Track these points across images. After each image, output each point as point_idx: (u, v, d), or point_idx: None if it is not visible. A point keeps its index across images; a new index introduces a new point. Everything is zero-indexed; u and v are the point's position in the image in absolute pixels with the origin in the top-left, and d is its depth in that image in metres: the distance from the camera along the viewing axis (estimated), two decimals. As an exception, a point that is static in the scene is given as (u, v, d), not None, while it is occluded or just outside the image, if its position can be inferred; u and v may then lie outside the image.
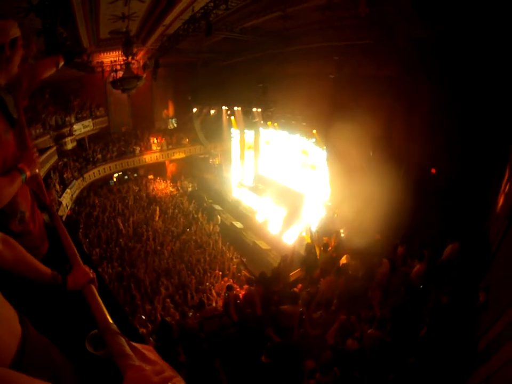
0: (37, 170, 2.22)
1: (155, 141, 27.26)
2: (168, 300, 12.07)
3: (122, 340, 1.27)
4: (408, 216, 9.45)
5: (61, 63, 3.03)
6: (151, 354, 1.30)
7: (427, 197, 9.60)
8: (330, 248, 11.03)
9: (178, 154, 27.91)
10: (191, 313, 8.96)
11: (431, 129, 9.97)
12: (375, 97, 11.14)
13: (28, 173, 2.01)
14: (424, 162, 10.35)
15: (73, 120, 22.99)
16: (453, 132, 9.26)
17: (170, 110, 29.00)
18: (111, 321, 1.41)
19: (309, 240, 13.38)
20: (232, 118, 23.79)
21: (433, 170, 10.26)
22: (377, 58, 11.50)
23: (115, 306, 2.00)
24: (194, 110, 27.04)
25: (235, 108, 22.78)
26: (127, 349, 1.22)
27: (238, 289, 11.45)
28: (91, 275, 1.86)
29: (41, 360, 1.21)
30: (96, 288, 1.77)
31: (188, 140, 27.84)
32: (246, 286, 9.85)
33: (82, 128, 23.78)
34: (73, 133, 22.75)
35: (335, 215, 13.90)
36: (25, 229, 2.13)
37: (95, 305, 1.55)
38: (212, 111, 25.67)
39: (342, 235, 11.67)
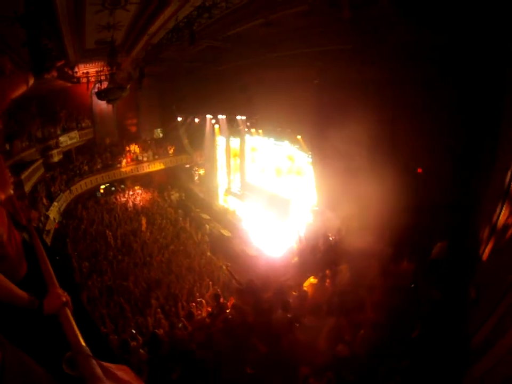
0: (11, 191, 2.16)
1: (140, 152, 27.21)
2: (159, 310, 12.00)
3: (93, 363, 1.25)
4: (398, 217, 9.45)
5: (31, 81, 2.93)
6: (125, 374, 1.28)
7: (417, 197, 9.61)
8: (319, 252, 11.04)
9: (165, 164, 27.88)
10: (180, 324, 8.87)
11: (417, 130, 10.02)
12: (360, 101, 11.17)
13: (3, 196, 1.95)
14: (412, 162, 10.41)
15: (59, 132, 22.88)
16: (438, 133, 9.32)
17: (156, 120, 28.86)
18: (83, 344, 1.38)
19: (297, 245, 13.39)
20: (217, 126, 23.84)
21: (420, 170, 10.31)
22: (361, 62, 11.54)
23: (91, 326, 1.96)
24: (179, 119, 27.01)
25: (219, 116, 22.85)
26: (98, 371, 1.20)
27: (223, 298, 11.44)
28: (64, 299, 1.80)
29: (22, 377, 1.20)
30: (70, 310, 1.72)
31: (173, 150, 27.83)
32: (232, 297, 9.76)
33: (68, 140, 23.69)
34: (60, 145, 22.62)
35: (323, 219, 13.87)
36: (2, 253, 2.06)
37: (69, 328, 1.52)
38: (197, 120, 25.61)
39: (331, 239, 11.66)
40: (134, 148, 27.42)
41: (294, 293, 9.00)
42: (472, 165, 8.46)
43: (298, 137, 16.67)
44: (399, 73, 10.24)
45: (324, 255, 10.43)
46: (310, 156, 15.87)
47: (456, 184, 8.88)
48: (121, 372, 1.28)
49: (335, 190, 12.70)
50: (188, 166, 28.15)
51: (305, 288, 8.90)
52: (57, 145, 22.20)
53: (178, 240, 19.48)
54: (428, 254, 8.12)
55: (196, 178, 27.84)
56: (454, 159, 9.02)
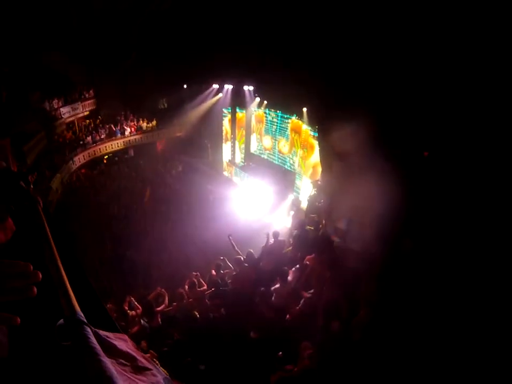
0: None
1: (144, 122, 27.02)
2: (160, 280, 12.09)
3: (88, 331, 1.20)
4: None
5: None
6: (124, 344, 1.25)
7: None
8: (321, 226, 11.02)
9: (168, 134, 27.74)
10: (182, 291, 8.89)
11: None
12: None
13: None
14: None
15: (61, 103, 22.74)
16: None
17: (161, 89, 28.37)
18: (78, 309, 1.33)
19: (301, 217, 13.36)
20: (221, 95, 23.59)
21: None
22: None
23: (90, 292, 1.93)
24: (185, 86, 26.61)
25: (226, 86, 22.59)
26: (93, 341, 1.16)
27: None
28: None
29: None
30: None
31: (177, 120, 27.54)
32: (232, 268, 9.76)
33: (71, 111, 23.56)
34: (63, 116, 22.52)
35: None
36: None
37: (61, 286, 1.48)
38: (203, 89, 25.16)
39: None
40: (138, 117, 27.20)
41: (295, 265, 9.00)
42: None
43: (304, 109, 16.46)
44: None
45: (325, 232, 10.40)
46: (315, 130, 15.68)
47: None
48: (120, 341, 1.25)
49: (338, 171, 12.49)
50: (192, 136, 27.76)
51: (306, 262, 8.88)
52: (60, 116, 22.13)
53: (181, 210, 19.49)
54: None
55: (205, 148, 27.61)
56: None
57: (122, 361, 1.26)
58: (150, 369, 1.36)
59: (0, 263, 0.95)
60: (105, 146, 25.16)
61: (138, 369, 1.28)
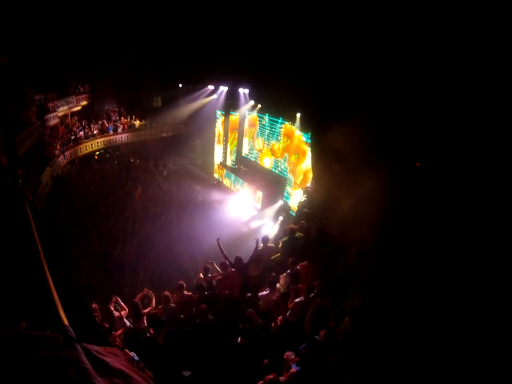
0: None
1: (137, 119, 26.89)
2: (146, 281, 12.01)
3: (78, 348, 1.13)
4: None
5: None
6: (116, 360, 1.19)
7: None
8: (311, 232, 11.00)
9: (161, 133, 27.63)
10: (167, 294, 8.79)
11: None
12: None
13: None
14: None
15: (56, 97, 22.58)
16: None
17: (156, 87, 28.18)
18: (66, 322, 1.26)
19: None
20: (215, 97, 23.56)
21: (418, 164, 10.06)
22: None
23: (77, 299, 1.85)
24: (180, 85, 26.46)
25: (221, 88, 22.56)
26: (84, 360, 1.09)
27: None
28: None
29: None
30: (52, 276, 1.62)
31: (171, 119, 27.34)
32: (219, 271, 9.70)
33: (65, 104, 23.40)
34: (56, 109, 22.35)
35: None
36: None
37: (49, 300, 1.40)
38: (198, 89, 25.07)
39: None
40: (132, 115, 27.07)
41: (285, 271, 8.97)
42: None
43: (298, 115, 16.46)
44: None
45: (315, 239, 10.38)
46: (309, 137, 15.65)
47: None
48: (112, 357, 1.18)
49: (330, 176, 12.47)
50: (184, 136, 27.64)
51: (297, 267, 8.86)
52: (54, 109, 21.95)
53: (170, 210, 19.38)
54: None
55: (197, 148, 27.54)
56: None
57: (116, 380, 1.19)
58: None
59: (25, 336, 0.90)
60: (97, 142, 24.98)
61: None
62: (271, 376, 5.23)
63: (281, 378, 5.33)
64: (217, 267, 9.56)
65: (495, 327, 5.02)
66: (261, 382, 5.24)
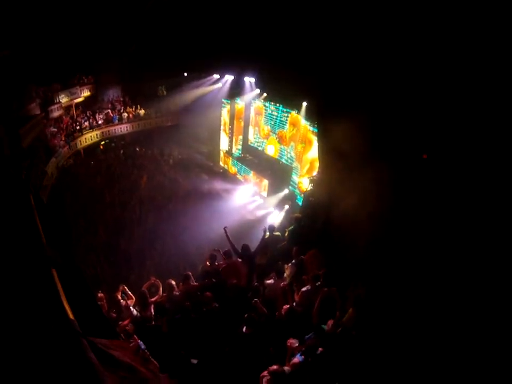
0: None
1: (142, 109, 26.85)
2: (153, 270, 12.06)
3: (85, 344, 1.12)
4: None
5: None
6: (122, 353, 1.18)
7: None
8: (318, 221, 10.98)
9: (166, 122, 27.62)
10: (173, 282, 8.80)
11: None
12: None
13: None
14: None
15: (60, 88, 22.55)
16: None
17: (161, 76, 27.97)
18: (71, 317, 1.25)
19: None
20: (220, 85, 23.45)
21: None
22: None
23: (85, 292, 1.85)
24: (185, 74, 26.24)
25: (227, 76, 22.46)
26: (91, 355, 1.08)
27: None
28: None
29: None
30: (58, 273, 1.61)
31: (176, 108, 27.29)
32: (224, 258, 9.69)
33: (69, 95, 23.38)
34: (61, 100, 22.33)
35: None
36: None
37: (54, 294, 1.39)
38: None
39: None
40: (136, 104, 27.02)
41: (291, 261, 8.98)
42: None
43: (304, 104, 16.34)
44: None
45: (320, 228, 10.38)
46: (315, 126, 15.54)
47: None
48: (118, 350, 1.18)
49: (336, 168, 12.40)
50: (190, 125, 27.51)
51: (302, 257, 8.86)
52: (58, 101, 21.94)
53: (176, 199, 19.40)
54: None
55: (203, 137, 27.49)
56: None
57: (122, 373, 1.19)
58: (151, 380, 1.30)
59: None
60: (102, 132, 25.07)
61: (139, 382, 1.22)
62: (275, 367, 5.22)
63: (286, 368, 5.32)
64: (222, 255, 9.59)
65: (498, 322, 5.01)
66: (265, 372, 5.24)
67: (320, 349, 5.39)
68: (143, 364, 1.26)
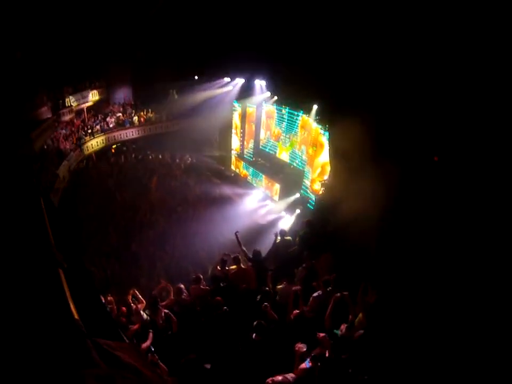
0: None
1: (154, 113, 26.98)
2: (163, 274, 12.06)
3: (89, 344, 1.09)
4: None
5: None
6: (126, 354, 1.14)
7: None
8: (329, 224, 10.92)
9: (178, 126, 27.66)
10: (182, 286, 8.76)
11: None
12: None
13: None
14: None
15: (71, 91, 22.75)
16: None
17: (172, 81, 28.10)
18: (76, 316, 1.22)
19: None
20: (230, 88, 23.43)
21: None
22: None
23: (91, 293, 1.81)
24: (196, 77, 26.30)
25: (238, 79, 22.48)
26: (94, 355, 1.05)
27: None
28: None
29: None
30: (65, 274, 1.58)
31: (187, 112, 27.21)
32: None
33: (81, 98, 23.57)
34: (72, 103, 22.51)
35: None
36: None
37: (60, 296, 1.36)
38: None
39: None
40: (148, 108, 27.14)
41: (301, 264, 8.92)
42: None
43: (315, 107, 16.26)
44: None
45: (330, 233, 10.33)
46: (326, 129, 15.45)
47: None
48: (123, 351, 1.14)
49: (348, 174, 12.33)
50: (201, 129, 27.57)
51: (313, 261, 8.79)
52: (69, 104, 22.14)
53: (187, 203, 19.41)
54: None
55: (214, 141, 27.49)
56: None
57: (126, 375, 1.14)
58: (156, 383, 1.25)
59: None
60: (114, 136, 25.24)
61: (143, 384, 1.19)
62: (280, 378, 5.13)
63: (291, 376, 5.24)
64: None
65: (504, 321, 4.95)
66: (270, 381, 5.13)
67: (327, 354, 5.32)
68: (149, 367, 1.21)
